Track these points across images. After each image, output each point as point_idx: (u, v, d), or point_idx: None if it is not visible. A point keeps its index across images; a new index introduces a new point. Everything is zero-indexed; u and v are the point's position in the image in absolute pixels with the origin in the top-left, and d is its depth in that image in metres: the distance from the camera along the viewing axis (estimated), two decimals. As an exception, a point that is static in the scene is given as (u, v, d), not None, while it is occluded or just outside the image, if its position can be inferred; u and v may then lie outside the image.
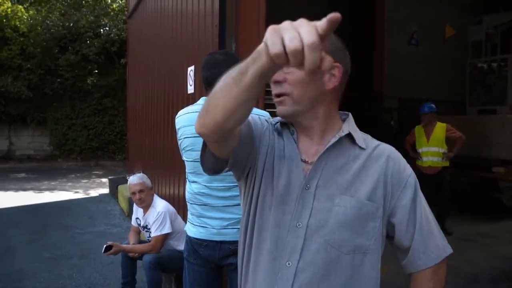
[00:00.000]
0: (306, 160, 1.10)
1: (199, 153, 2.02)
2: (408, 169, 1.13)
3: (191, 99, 4.05)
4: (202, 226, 2.12)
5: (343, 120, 1.16)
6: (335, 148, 1.10)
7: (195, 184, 2.16)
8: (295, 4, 7.75)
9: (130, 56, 9.06)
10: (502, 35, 8.74)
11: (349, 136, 1.11)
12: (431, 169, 5.56)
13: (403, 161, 1.14)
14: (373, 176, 1.09)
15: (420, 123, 5.69)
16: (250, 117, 1.16)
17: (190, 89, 4.25)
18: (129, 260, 3.52)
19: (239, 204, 2.00)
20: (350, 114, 1.19)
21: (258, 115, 1.25)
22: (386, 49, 8.41)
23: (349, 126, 1.13)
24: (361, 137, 1.15)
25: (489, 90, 7.90)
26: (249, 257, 1.14)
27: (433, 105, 5.64)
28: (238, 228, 1.99)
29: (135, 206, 3.69)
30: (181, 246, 3.52)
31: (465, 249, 5.02)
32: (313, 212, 1.06)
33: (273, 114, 1.31)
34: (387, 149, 1.15)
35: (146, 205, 3.51)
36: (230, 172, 1.97)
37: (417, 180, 1.13)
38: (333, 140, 1.10)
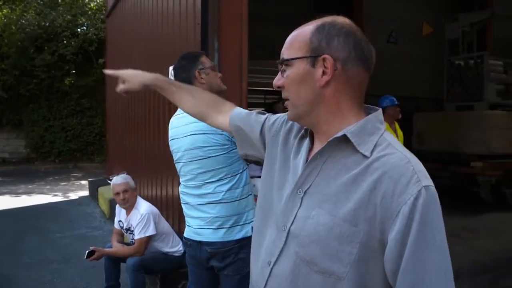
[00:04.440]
0: None
1: (175, 154, 2.09)
2: (409, 194, 0.86)
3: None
4: (187, 225, 2.16)
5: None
6: (335, 152, 0.98)
7: (180, 185, 2.19)
8: (278, 2, 7.78)
9: (108, 56, 8.93)
10: (477, 33, 8.94)
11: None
12: None
13: (405, 180, 0.87)
14: (359, 193, 0.90)
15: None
16: (249, 115, 1.32)
17: (172, 89, 4.20)
18: (113, 263, 3.46)
19: (210, 203, 2.01)
20: (376, 112, 1.03)
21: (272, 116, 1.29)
22: (365, 47, 8.49)
23: (357, 126, 0.97)
24: (369, 141, 0.95)
25: (466, 87, 8.05)
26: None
27: None
28: (214, 228, 2.01)
29: (117, 208, 3.62)
30: (165, 248, 3.49)
31: (446, 243, 5.11)
32: (296, 218, 1.00)
33: None
34: (390, 162, 0.90)
35: (130, 206, 3.45)
36: (199, 170, 1.99)
37: (422, 210, 0.85)
38: (320, 145, 1.01)
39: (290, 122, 1.18)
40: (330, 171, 0.98)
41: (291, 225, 1.00)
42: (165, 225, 3.57)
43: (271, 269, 1.02)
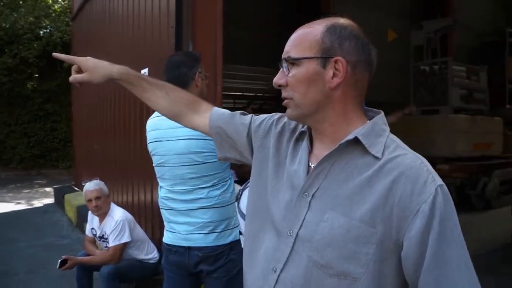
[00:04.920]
0: (313, 166, 1.01)
1: (160, 157, 2.02)
2: (428, 192, 0.88)
3: (144, 102, 3.93)
4: (171, 231, 2.08)
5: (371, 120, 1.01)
6: (344, 154, 0.97)
7: (162, 189, 2.11)
8: (253, 4, 7.80)
9: (75, 59, 8.67)
10: (441, 39, 9.24)
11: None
12: None
13: (422, 180, 0.89)
14: (376, 194, 0.90)
15: None
16: (233, 116, 1.26)
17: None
18: (85, 272, 3.34)
19: (202, 208, 1.97)
20: (379, 114, 1.03)
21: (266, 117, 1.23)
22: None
23: (366, 129, 0.97)
24: (379, 143, 0.96)
25: (431, 91, 8.26)
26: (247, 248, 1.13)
27: None
28: (205, 233, 1.96)
29: (90, 215, 3.51)
30: (141, 255, 3.41)
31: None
32: (304, 222, 0.97)
33: None
34: (405, 163, 0.92)
35: (103, 213, 3.35)
36: (192, 175, 1.94)
37: (442, 208, 0.87)
38: (322, 146, 1.01)
39: (281, 124, 1.15)
40: (339, 173, 0.96)
41: (299, 229, 0.97)
42: (140, 232, 3.49)
43: (278, 275, 0.99)
